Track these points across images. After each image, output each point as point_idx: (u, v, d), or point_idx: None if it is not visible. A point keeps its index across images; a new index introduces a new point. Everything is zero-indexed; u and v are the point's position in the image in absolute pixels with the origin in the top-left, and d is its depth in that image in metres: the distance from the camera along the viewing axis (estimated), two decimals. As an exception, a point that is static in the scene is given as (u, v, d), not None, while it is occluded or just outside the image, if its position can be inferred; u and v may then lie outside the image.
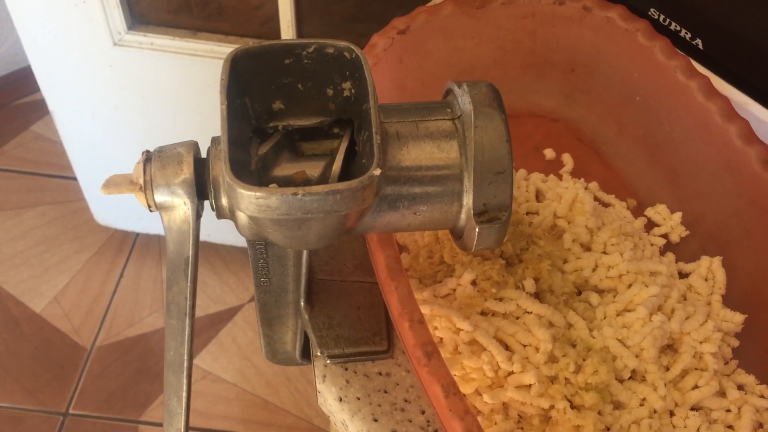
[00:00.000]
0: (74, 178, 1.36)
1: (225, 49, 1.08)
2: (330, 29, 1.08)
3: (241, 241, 1.35)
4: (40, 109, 1.61)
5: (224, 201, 0.36)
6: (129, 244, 1.49)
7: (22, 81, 1.60)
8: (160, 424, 1.33)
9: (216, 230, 1.38)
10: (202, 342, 1.39)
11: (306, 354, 0.50)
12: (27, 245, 1.49)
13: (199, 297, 1.44)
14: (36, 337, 1.39)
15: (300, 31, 1.07)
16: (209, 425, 1.31)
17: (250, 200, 0.32)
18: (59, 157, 1.43)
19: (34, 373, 1.35)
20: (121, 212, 1.41)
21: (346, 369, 0.45)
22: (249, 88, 0.37)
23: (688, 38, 0.51)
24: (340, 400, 0.43)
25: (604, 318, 0.43)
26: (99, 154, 1.28)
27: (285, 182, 0.37)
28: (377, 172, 0.32)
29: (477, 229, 0.36)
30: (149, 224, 1.40)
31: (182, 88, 1.14)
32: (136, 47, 1.08)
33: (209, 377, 1.35)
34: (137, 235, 1.50)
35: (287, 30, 1.06)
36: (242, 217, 0.36)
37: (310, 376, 0.48)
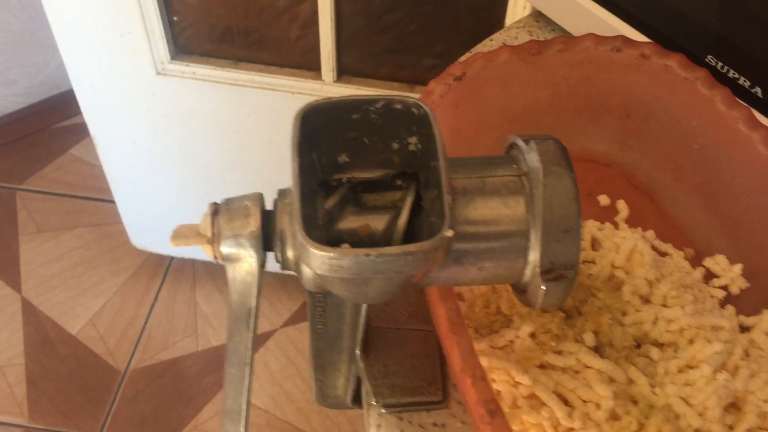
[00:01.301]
0: (112, 201, 1.38)
1: (265, 79, 1.09)
2: (370, 60, 1.09)
3: (273, 267, 1.36)
4: (80, 132, 1.63)
5: (290, 254, 0.36)
6: (164, 268, 1.51)
7: (63, 104, 1.63)
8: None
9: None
10: (235, 367, 1.39)
11: (357, 399, 0.49)
12: (64, 267, 1.51)
13: (233, 322, 1.44)
14: (71, 358, 1.40)
15: (340, 62, 1.08)
16: (241, 452, 1.31)
17: (322, 260, 0.32)
18: (97, 180, 1.45)
19: (69, 395, 1.36)
20: (157, 236, 1.42)
21: (401, 419, 0.44)
22: (316, 143, 0.37)
23: (747, 86, 0.51)
24: (396, 450, 0.43)
25: (666, 374, 0.42)
26: (138, 179, 1.30)
27: (350, 235, 0.37)
28: (449, 233, 0.32)
29: (543, 287, 0.36)
30: (184, 249, 1.41)
31: (222, 117, 1.15)
32: (179, 76, 1.10)
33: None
34: (172, 258, 1.51)
35: (327, 61, 1.06)
36: (308, 272, 0.36)
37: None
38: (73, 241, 1.55)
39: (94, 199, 1.59)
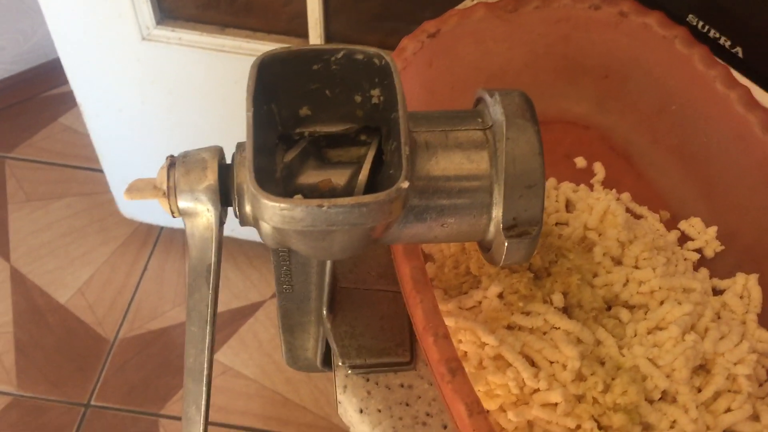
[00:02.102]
0: (101, 170, 1.37)
1: (252, 45, 1.08)
2: (358, 27, 1.07)
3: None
4: (69, 101, 1.62)
5: (248, 209, 0.36)
6: (153, 237, 1.50)
7: (51, 73, 1.61)
8: (181, 418, 1.33)
9: (239, 226, 1.38)
10: (224, 337, 1.39)
11: (327, 361, 0.49)
12: (53, 236, 1.50)
13: (222, 292, 1.44)
14: (60, 328, 1.40)
15: (328, 29, 1.06)
16: (229, 420, 1.31)
17: (274, 211, 0.31)
18: (87, 149, 1.44)
19: (58, 364, 1.36)
20: (146, 205, 1.41)
21: (368, 380, 0.44)
22: (276, 94, 0.36)
23: (727, 46, 0.50)
24: (361, 411, 0.43)
25: (635, 336, 0.41)
26: (126, 148, 1.28)
27: (310, 190, 0.37)
28: (405, 185, 0.31)
29: (506, 244, 0.35)
30: (176, 219, 1.41)
31: (209, 84, 1.14)
32: (165, 42, 1.08)
33: (230, 372, 1.35)
34: (162, 228, 1.51)
35: (315, 27, 1.05)
36: (266, 226, 0.35)
37: (330, 375, 0.48)
38: (62, 210, 1.54)
39: (84, 168, 1.58)
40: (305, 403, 1.33)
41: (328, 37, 1.07)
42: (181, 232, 1.49)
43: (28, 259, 1.47)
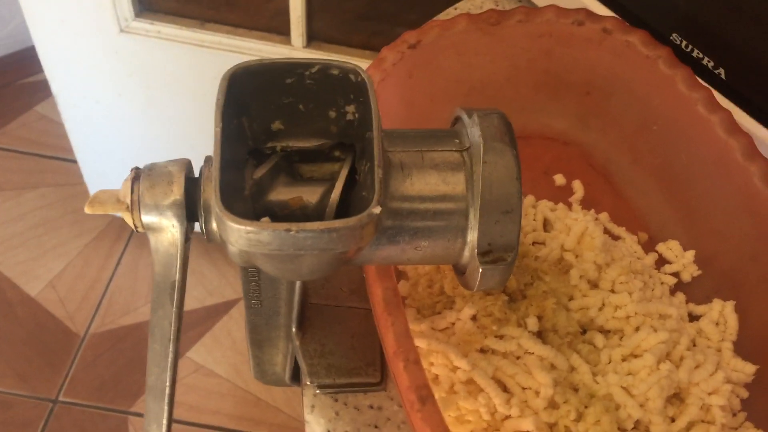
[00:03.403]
0: (76, 161, 1.35)
1: (233, 41, 1.06)
2: (341, 26, 1.06)
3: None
4: (45, 89, 1.58)
5: (214, 225, 0.34)
6: (128, 232, 1.48)
7: (27, 60, 1.58)
8: (151, 416, 1.32)
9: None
10: (197, 334, 1.38)
11: (296, 377, 0.48)
12: (25, 227, 1.48)
13: (196, 288, 1.42)
14: (29, 321, 1.37)
15: (310, 27, 1.05)
16: (200, 420, 1.29)
17: (240, 234, 0.30)
18: (62, 138, 1.41)
19: (26, 358, 1.34)
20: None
21: (336, 400, 0.43)
22: (247, 108, 0.35)
23: (710, 66, 0.49)
24: (329, 432, 0.42)
25: (609, 362, 0.41)
26: (101, 140, 1.26)
27: (280, 207, 0.35)
28: (377, 210, 0.30)
29: (480, 270, 0.34)
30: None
31: (188, 79, 1.12)
32: (143, 35, 1.06)
33: (202, 371, 1.33)
34: (137, 222, 1.48)
35: (297, 25, 1.03)
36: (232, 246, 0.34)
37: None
38: (35, 201, 1.51)
39: (59, 159, 1.55)
40: (278, 403, 1.32)
41: (310, 35, 1.06)
42: (157, 227, 1.47)
43: (-2, 249, 1.44)
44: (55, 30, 1.08)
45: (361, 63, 1.09)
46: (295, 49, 1.06)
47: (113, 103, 1.18)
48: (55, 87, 1.19)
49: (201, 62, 1.09)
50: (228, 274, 1.46)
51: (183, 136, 1.21)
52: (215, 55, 1.08)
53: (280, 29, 1.06)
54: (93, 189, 1.38)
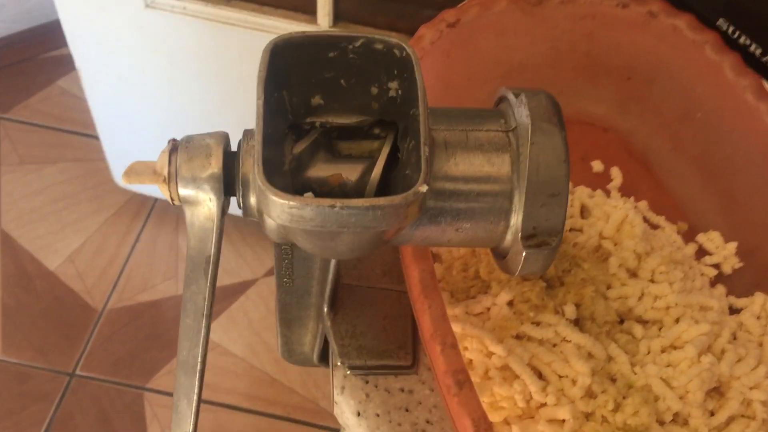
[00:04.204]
0: (97, 137, 1.34)
1: (258, 19, 1.05)
2: (368, 7, 1.04)
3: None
4: (68, 63, 1.58)
5: (253, 200, 0.34)
6: (147, 209, 1.48)
7: (51, 34, 1.58)
8: (166, 393, 1.32)
9: (234, 201, 1.36)
10: (214, 314, 1.37)
11: (324, 357, 0.47)
12: (45, 201, 1.48)
13: (214, 268, 1.42)
14: (48, 294, 1.38)
15: (337, 7, 1.04)
16: (215, 398, 1.29)
17: (282, 209, 0.29)
18: (84, 114, 1.41)
19: (44, 331, 1.34)
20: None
21: (367, 382, 0.42)
22: (288, 81, 0.34)
23: (758, 54, 0.48)
24: (358, 414, 0.41)
25: (648, 353, 0.40)
26: (123, 116, 1.26)
27: (319, 184, 0.35)
28: (423, 188, 0.29)
29: (524, 254, 0.33)
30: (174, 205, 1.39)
31: (212, 56, 1.11)
32: (168, 11, 1.06)
33: (218, 350, 1.33)
34: (156, 200, 1.48)
35: (324, 5, 1.02)
36: (270, 221, 0.33)
37: (325, 369, 0.46)
38: (55, 175, 1.51)
39: (80, 134, 1.55)
40: (293, 384, 1.32)
41: (337, 15, 1.05)
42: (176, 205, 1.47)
43: (19, 222, 1.45)
44: (80, 4, 1.08)
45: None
46: (321, 28, 1.05)
47: (137, 79, 1.18)
48: (78, 62, 1.19)
49: (225, 40, 1.08)
50: (245, 255, 1.45)
51: (206, 113, 1.20)
52: (240, 32, 1.07)
53: (306, 8, 1.05)
54: (114, 165, 1.38)
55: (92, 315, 1.36)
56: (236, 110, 1.17)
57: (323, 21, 1.04)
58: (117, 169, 1.39)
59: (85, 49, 1.16)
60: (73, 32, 1.13)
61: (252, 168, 0.33)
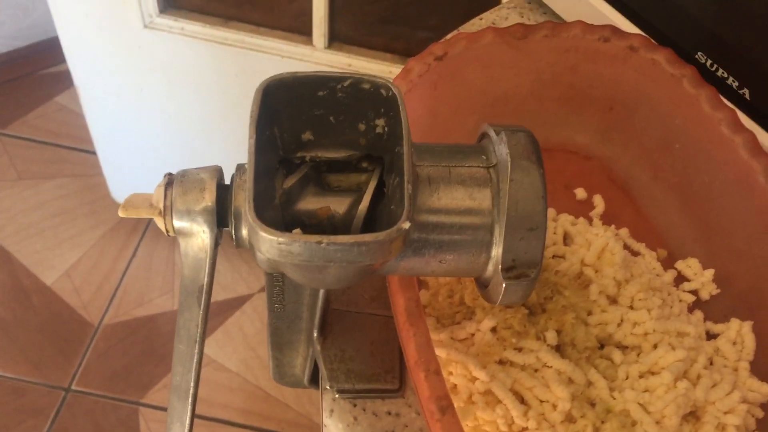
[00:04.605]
0: (95, 153, 1.36)
1: (255, 40, 1.07)
2: (363, 28, 1.06)
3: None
4: (66, 80, 1.60)
5: (244, 232, 0.35)
6: (144, 224, 1.49)
7: (49, 51, 1.59)
8: (161, 408, 1.33)
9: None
10: (209, 329, 1.39)
11: (314, 380, 0.48)
12: (42, 216, 1.49)
13: (210, 283, 1.43)
14: (45, 309, 1.39)
15: (332, 29, 1.05)
16: (210, 413, 1.30)
17: (271, 244, 0.30)
18: (81, 129, 1.42)
19: (40, 346, 1.35)
20: (137, 191, 1.40)
21: (355, 405, 0.43)
22: (279, 119, 0.35)
23: (735, 86, 0.49)
24: (346, 437, 0.42)
25: (627, 378, 0.41)
26: (121, 133, 1.27)
27: (308, 216, 0.36)
28: (406, 225, 0.31)
29: (504, 285, 0.34)
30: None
31: (210, 76, 1.13)
32: (167, 31, 1.07)
33: (213, 365, 1.34)
34: (152, 216, 1.49)
35: (319, 26, 1.04)
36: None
37: (316, 390, 0.47)
38: (53, 191, 1.52)
39: (77, 150, 1.57)
40: (287, 400, 1.33)
41: (332, 36, 1.07)
42: (172, 220, 1.48)
43: (16, 238, 1.46)
44: (79, 23, 1.09)
45: (382, 65, 1.09)
46: (317, 49, 1.07)
47: (134, 98, 1.19)
48: (77, 79, 1.20)
49: (223, 60, 1.10)
50: (241, 270, 1.47)
51: (203, 131, 1.22)
52: (237, 53, 1.08)
53: (302, 29, 1.07)
54: (111, 181, 1.39)
55: (88, 330, 1.37)
56: (232, 129, 1.18)
57: (318, 42, 1.06)
58: (114, 184, 1.41)
59: (84, 67, 1.18)
60: (72, 51, 1.15)
61: (243, 203, 0.34)
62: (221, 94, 1.15)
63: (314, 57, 1.07)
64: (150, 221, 1.54)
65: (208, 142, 1.22)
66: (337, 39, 1.08)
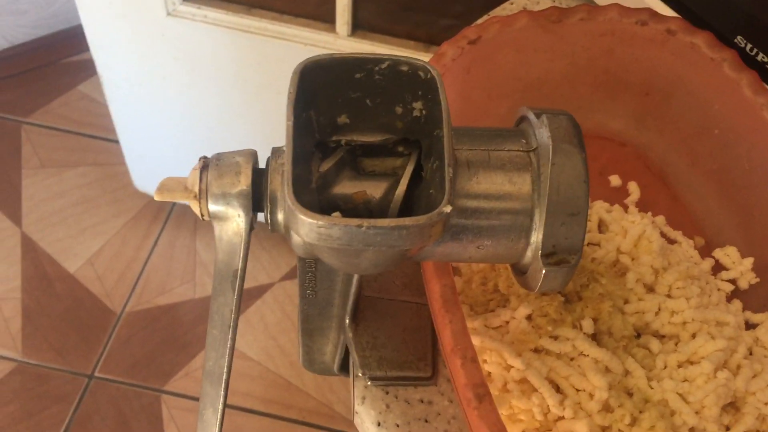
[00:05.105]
0: (117, 141, 1.36)
1: (278, 27, 1.06)
2: (386, 16, 1.05)
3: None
4: (89, 68, 1.60)
5: (280, 217, 0.35)
6: (165, 212, 1.49)
7: (73, 39, 1.60)
8: (183, 395, 1.33)
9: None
10: (231, 317, 1.38)
11: (344, 367, 0.48)
12: (65, 204, 1.50)
13: (231, 272, 1.43)
14: (68, 297, 1.40)
15: (355, 17, 1.05)
16: (231, 401, 1.31)
17: (311, 228, 0.30)
18: (104, 118, 1.43)
19: (64, 333, 1.36)
20: (160, 179, 1.40)
21: (387, 393, 0.43)
22: (315, 101, 0.35)
23: (775, 71, 0.48)
24: (379, 424, 0.42)
25: (665, 368, 0.40)
26: (143, 121, 1.28)
27: (344, 200, 0.36)
28: (448, 209, 0.30)
29: (543, 271, 0.34)
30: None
31: (232, 64, 1.12)
32: (190, 19, 1.07)
33: (234, 353, 1.35)
34: (174, 204, 1.50)
35: (343, 14, 1.03)
36: (297, 237, 0.34)
37: (343, 378, 0.47)
38: (76, 179, 1.53)
39: (100, 138, 1.57)
40: (308, 388, 1.33)
41: (355, 24, 1.06)
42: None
43: (39, 226, 1.47)
44: (102, 11, 1.09)
45: (405, 53, 1.08)
46: (340, 37, 1.06)
47: (157, 86, 1.19)
48: (100, 68, 1.20)
49: (245, 48, 1.10)
50: (262, 259, 1.47)
51: (225, 119, 1.22)
52: (260, 40, 1.08)
53: (325, 17, 1.06)
54: (134, 169, 1.40)
55: (111, 318, 1.38)
56: (255, 117, 1.18)
57: (342, 30, 1.05)
58: (136, 173, 1.41)
59: (107, 55, 1.18)
60: (95, 39, 1.15)
61: (280, 186, 0.34)
62: (243, 82, 1.15)
63: (337, 45, 1.06)
64: (172, 210, 1.54)
65: (230, 131, 1.22)
66: (360, 27, 1.07)
